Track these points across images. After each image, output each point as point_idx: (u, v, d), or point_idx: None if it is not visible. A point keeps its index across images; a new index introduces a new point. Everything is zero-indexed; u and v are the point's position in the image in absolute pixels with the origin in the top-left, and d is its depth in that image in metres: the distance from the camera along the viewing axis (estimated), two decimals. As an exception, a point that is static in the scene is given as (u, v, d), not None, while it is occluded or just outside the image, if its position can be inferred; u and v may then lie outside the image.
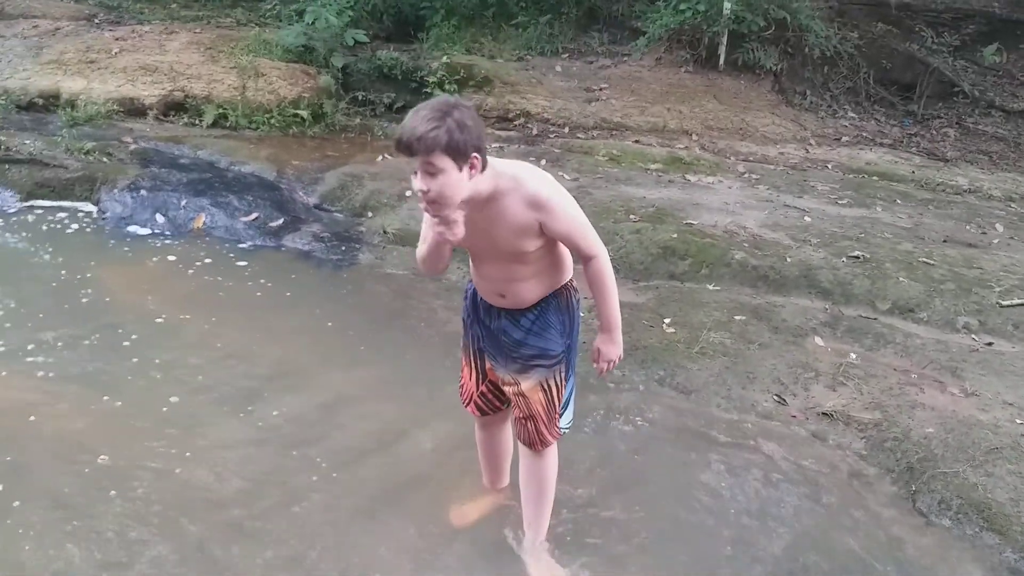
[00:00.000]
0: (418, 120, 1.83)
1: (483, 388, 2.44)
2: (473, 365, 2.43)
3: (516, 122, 7.00)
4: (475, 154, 1.89)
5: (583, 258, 2.16)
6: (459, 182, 1.88)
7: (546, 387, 2.28)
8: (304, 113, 6.75)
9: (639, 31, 7.97)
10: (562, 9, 8.34)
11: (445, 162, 1.84)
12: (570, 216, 2.07)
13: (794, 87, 7.79)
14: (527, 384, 2.27)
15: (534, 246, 2.07)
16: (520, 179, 2.01)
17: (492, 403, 2.47)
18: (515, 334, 2.23)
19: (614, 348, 2.29)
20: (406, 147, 1.84)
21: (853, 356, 3.67)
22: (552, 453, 2.41)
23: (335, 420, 3.17)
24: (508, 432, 2.62)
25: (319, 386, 3.40)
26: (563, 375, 2.31)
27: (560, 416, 2.36)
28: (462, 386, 2.52)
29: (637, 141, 6.78)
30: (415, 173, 1.89)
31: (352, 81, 7.39)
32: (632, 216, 4.98)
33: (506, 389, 2.34)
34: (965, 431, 3.08)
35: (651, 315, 3.99)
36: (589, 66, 7.94)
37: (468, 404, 2.52)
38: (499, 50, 7.99)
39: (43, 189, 5.24)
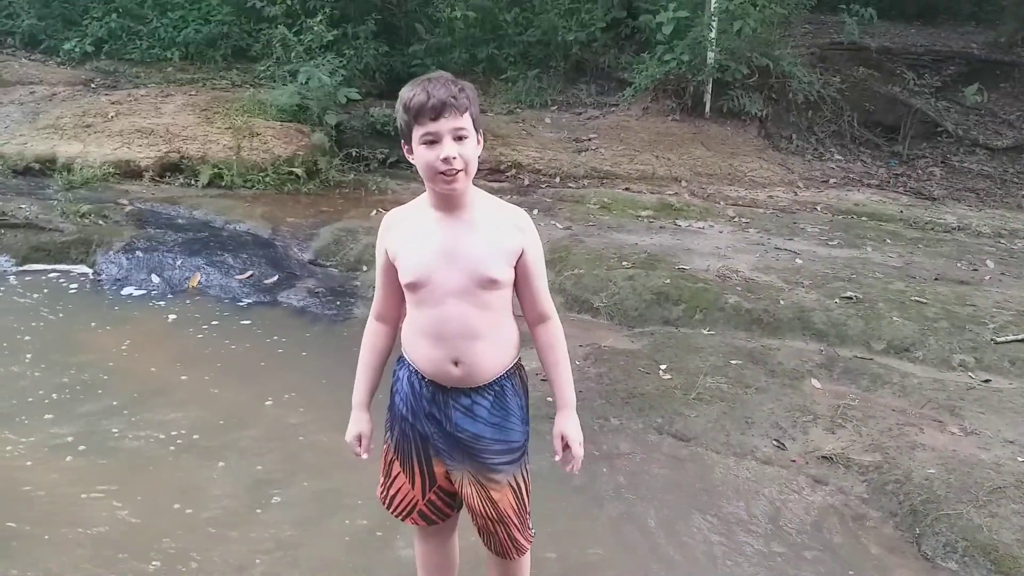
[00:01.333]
0: (440, 85, 1.71)
1: (431, 496, 2.03)
2: (418, 470, 2.00)
3: (508, 173, 7.10)
4: (480, 128, 1.82)
5: (538, 316, 1.95)
6: (476, 151, 1.78)
7: (515, 485, 1.97)
8: (299, 171, 6.83)
9: (626, 82, 8.17)
10: (550, 63, 8.55)
11: (471, 126, 1.75)
12: (542, 255, 1.94)
13: (780, 132, 7.94)
14: (494, 486, 1.95)
15: (504, 276, 1.84)
16: (501, 201, 1.92)
17: (442, 511, 2.06)
18: (473, 428, 1.90)
19: (578, 428, 1.98)
20: (438, 108, 1.69)
21: (852, 398, 3.66)
22: (527, 555, 2.11)
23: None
24: (456, 542, 2.21)
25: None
26: (528, 467, 2.01)
27: (529, 515, 2.05)
28: (393, 497, 2.05)
29: (627, 189, 6.86)
30: (429, 143, 1.73)
31: (346, 138, 7.52)
32: (625, 263, 5.01)
33: (467, 491, 1.97)
34: (967, 471, 3.05)
35: (647, 362, 3.98)
36: (578, 117, 8.11)
37: (408, 516, 2.06)
38: (489, 104, 8.15)
39: (39, 253, 5.28)
